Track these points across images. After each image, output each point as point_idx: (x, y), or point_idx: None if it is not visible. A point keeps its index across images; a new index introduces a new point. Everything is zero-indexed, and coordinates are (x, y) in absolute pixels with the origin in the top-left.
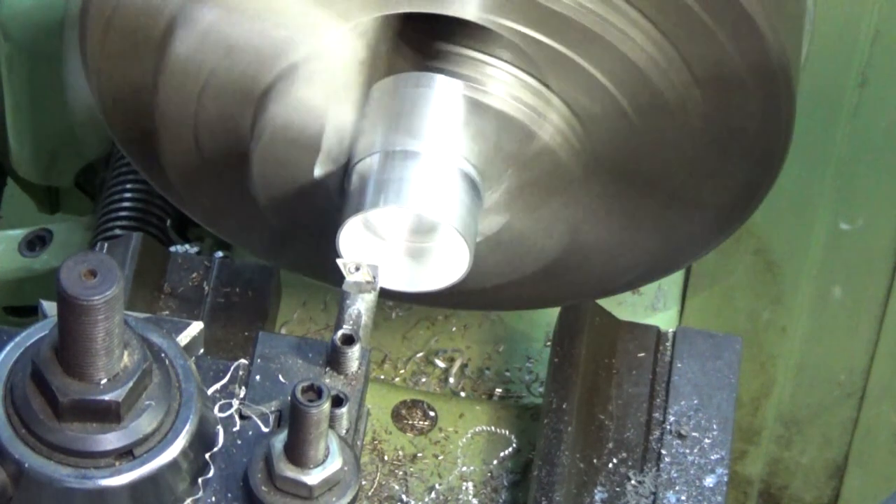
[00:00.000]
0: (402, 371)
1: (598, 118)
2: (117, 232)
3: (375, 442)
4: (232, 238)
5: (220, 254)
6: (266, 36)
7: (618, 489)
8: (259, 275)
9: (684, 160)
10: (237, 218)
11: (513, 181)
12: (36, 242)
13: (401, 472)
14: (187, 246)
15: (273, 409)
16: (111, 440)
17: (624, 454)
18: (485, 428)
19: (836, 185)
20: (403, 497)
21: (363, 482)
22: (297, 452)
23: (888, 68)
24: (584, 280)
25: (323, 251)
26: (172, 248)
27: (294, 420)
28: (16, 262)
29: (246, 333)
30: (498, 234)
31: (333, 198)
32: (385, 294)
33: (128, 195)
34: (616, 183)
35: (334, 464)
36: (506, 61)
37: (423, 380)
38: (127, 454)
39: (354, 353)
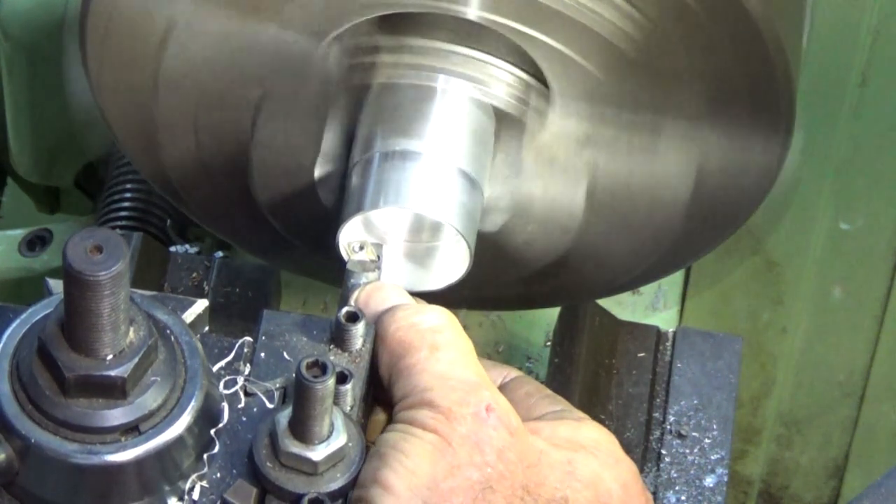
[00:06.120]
0: None
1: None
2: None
3: None
4: (232, 239)
5: (220, 254)
6: (262, 41)
7: None
8: (259, 275)
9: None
10: (237, 219)
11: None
12: (36, 242)
13: None
14: (187, 246)
15: (278, 385)
16: (117, 416)
17: None
18: None
19: (836, 185)
20: None
21: None
22: (301, 428)
23: (888, 68)
24: (584, 280)
25: (323, 252)
26: (172, 248)
27: (299, 396)
28: (16, 262)
29: (246, 333)
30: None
31: (333, 198)
32: None
33: (128, 195)
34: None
35: (339, 440)
36: (506, 60)
37: None
38: (133, 430)
39: (358, 331)
